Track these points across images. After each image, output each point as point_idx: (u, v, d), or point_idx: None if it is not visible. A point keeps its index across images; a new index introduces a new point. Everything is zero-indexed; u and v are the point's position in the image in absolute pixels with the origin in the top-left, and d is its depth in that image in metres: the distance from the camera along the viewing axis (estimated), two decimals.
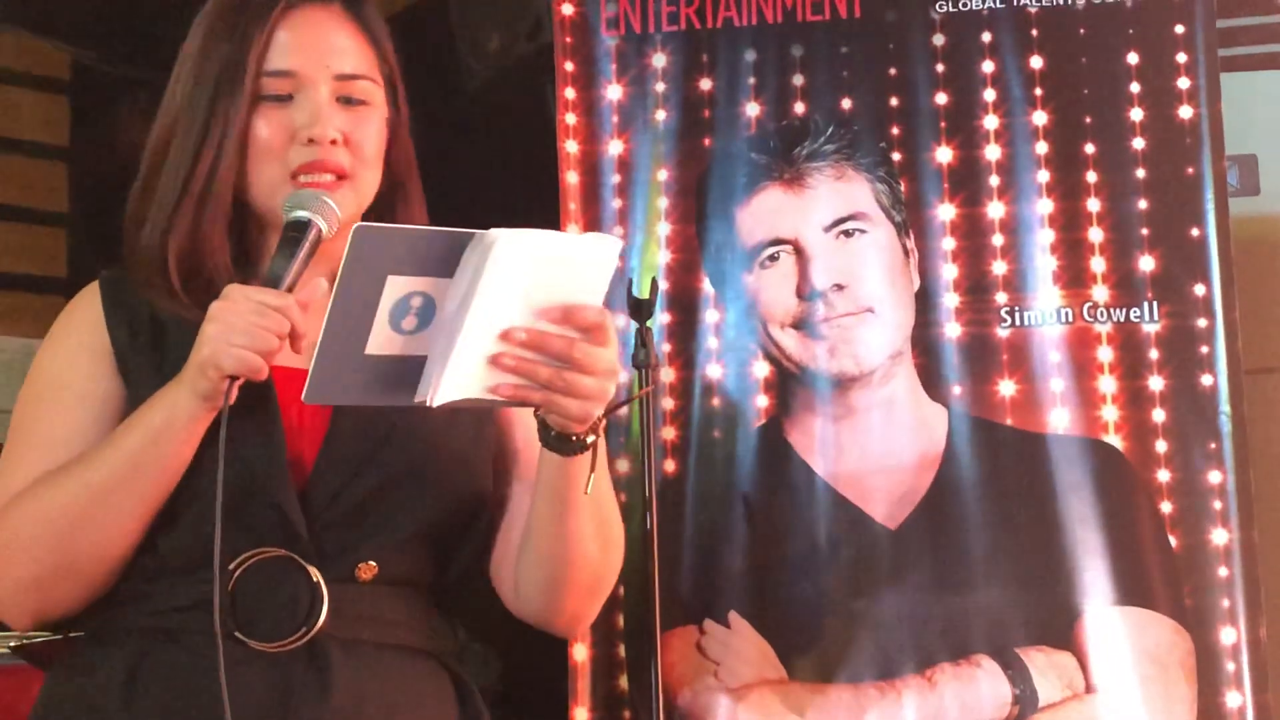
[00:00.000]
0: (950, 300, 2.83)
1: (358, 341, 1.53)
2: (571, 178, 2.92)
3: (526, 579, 1.77)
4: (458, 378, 1.55)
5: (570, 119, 2.93)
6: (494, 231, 1.51)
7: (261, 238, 1.78)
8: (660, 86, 2.91)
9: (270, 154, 1.74)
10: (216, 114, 1.75)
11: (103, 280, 1.79)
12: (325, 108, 1.75)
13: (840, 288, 2.79)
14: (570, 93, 2.94)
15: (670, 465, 2.81)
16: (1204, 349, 2.77)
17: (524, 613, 1.81)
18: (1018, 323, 2.81)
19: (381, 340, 1.54)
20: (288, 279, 1.62)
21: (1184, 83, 2.83)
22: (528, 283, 1.54)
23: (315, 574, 1.67)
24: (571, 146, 2.93)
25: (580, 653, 2.78)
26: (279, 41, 1.76)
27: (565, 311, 1.57)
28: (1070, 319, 2.80)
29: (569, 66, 2.94)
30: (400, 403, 1.58)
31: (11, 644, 2.89)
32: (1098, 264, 2.81)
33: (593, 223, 2.90)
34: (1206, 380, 2.76)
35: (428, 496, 1.74)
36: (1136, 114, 2.83)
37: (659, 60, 2.92)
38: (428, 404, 1.56)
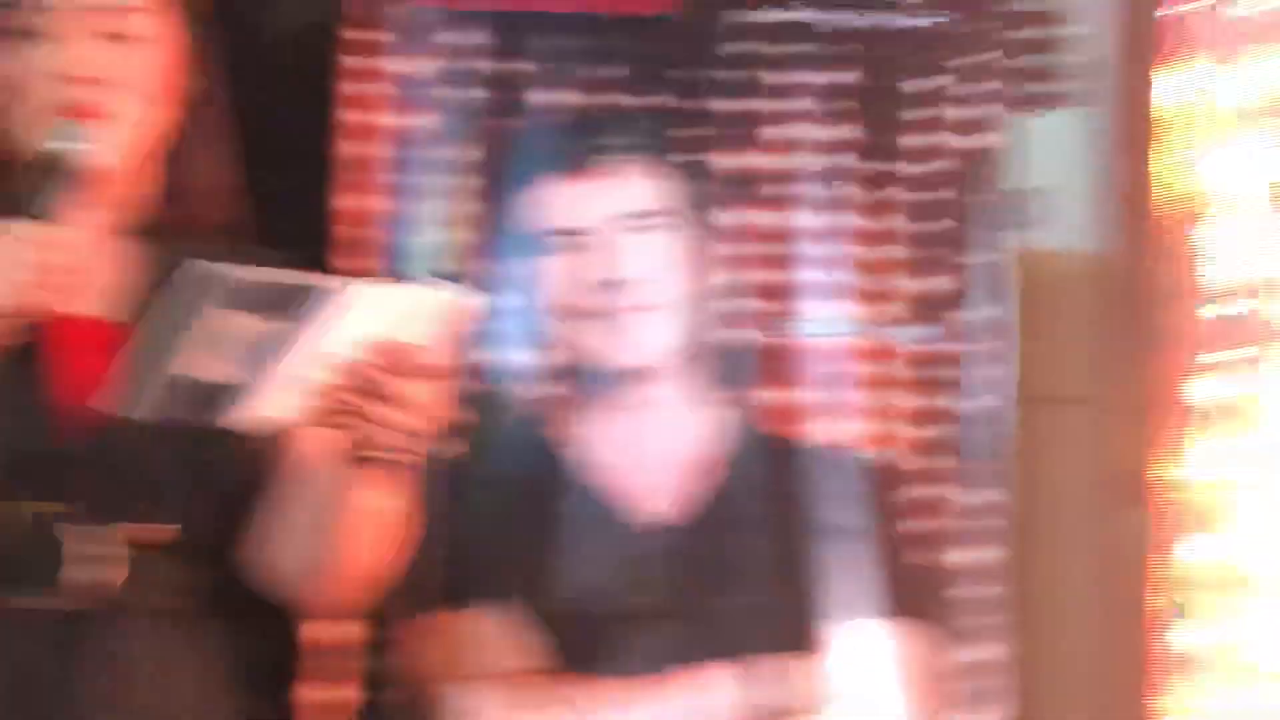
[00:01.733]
0: (738, 304, 2.83)
1: (164, 360, 1.53)
2: (350, 149, 2.83)
3: (283, 567, 1.77)
4: (271, 401, 1.58)
5: (354, 89, 2.84)
6: (337, 285, 1.56)
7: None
8: (457, 64, 2.86)
9: (24, 94, 1.73)
10: None
11: None
12: (78, 45, 1.74)
13: (627, 281, 2.75)
14: (355, 61, 2.85)
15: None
16: (987, 372, 2.83)
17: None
18: (805, 333, 2.84)
19: (192, 363, 1.53)
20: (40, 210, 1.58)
21: (989, 111, 2.86)
22: (361, 330, 1.59)
23: (83, 534, 1.63)
24: (352, 117, 2.84)
25: (322, 632, 2.71)
26: None
27: (392, 351, 1.62)
28: (858, 333, 2.84)
29: (356, 35, 2.85)
30: (207, 423, 1.57)
31: None
32: (889, 281, 2.87)
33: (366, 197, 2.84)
34: (986, 402, 2.82)
35: (220, 455, 1.69)
36: (940, 137, 2.88)
37: (458, 37, 2.86)
38: (234, 424, 1.58)
